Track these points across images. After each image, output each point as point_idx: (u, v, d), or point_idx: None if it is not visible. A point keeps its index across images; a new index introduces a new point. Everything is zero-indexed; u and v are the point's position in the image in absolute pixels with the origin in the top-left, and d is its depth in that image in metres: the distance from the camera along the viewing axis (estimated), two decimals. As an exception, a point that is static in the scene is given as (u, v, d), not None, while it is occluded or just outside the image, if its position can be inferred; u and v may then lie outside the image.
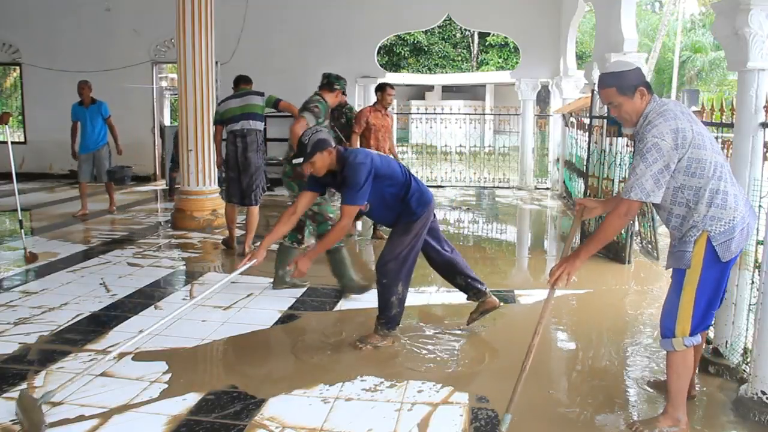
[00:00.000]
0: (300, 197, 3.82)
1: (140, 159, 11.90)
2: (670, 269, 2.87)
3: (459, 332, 4.13)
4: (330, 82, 4.97)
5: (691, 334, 2.77)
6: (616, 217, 2.76)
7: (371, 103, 6.92)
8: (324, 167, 3.63)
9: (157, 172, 11.97)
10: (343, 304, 4.71)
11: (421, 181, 3.93)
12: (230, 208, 6.34)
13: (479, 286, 4.11)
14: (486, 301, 4.14)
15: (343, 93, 5.08)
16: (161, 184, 10.44)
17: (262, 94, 6.19)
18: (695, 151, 2.64)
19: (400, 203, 3.78)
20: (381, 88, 6.85)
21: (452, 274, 4.11)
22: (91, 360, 3.54)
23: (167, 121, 12.59)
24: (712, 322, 2.89)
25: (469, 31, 27.35)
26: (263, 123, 6.30)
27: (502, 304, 4.21)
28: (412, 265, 3.86)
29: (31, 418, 2.83)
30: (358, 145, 6.52)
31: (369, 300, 4.79)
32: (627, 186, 2.73)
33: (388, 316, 3.85)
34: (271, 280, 5.09)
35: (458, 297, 4.35)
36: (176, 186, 9.93)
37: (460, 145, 12.60)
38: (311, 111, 4.80)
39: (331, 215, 4.79)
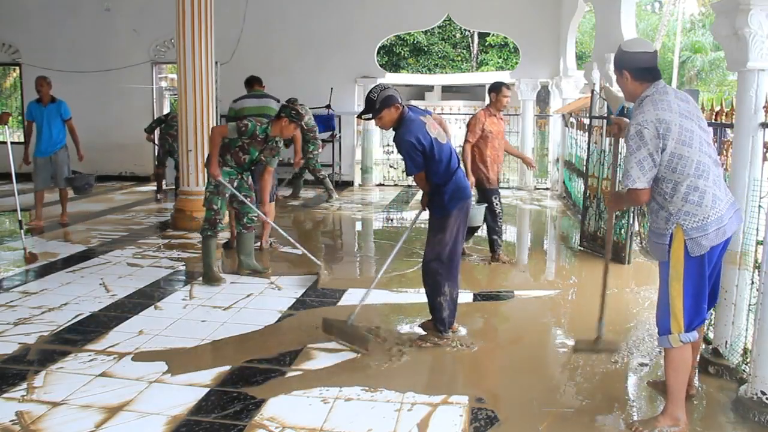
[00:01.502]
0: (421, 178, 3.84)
1: (140, 159, 11.93)
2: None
3: (458, 333, 4.13)
4: (278, 111, 5.11)
5: (687, 330, 2.79)
6: (627, 201, 3.13)
7: (484, 107, 5.95)
8: (391, 122, 3.79)
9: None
10: (346, 301, 4.70)
11: (466, 180, 3.93)
12: None
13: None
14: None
15: (292, 120, 5.06)
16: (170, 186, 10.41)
17: (278, 100, 6.64)
18: (679, 147, 2.70)
19: (435, 188, 3.80)
20: (496, 88, 5.83)
21: None
22: (92, 360, 3.55)
23: None
24: (706, 317, 2.89)
25: (469, 31, 27.35)
26: None
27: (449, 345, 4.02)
28: (456, 264, 3.86)
29: (353, 334, 3.66)
30: (469, 158, 5.85)
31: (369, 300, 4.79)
32: (623, 175, 2.83)
33: (440, 317, 3.86)
34: (272, 280, 5.19)
35: (460, 298, 4.34)
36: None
37: (460, 146, 12.56)
38: (237, 126, 4.95)
39: (255, 213, 5.28)
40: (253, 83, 6.89)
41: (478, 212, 5.67)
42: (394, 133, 3.82)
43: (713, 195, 2.71)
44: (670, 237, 2.77)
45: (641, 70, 2.85)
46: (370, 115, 3.79)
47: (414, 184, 12.00)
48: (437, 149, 3.71)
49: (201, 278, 5.19)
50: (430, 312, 3.91)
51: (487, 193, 5.88)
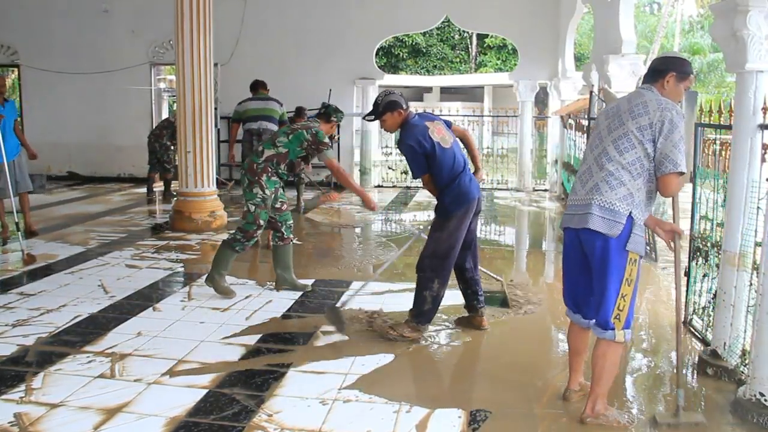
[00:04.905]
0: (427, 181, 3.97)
1: (138, 161, 11.90)
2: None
3: (457, 334, 4.13)
4: (324, 113, 4.83)
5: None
6: None
7: None
8: (394, 125, 3.95)
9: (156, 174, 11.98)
10: (348, 298, 4.69)
11: (472, 183, 3.97)
12: None
13: (476, 304, 4.17)
14: (475, 318, 4.20)
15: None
16: (160, 186, 10.43)
17: (281, 103, 6.98)
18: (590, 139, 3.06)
19: (439, 190, 3.92)
20: None
21: (462, 279, 4.19)
22: (90, 361, 3.54)
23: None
24: (572, 308, 3.07)
25: (468, 32, 27.36)
26: (277, 127, 6.90)
27: (489, 328, 4.19)
28: (449, 264, 3.93)
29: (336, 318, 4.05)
30: None
31: (367, 302, 4.79)
32: None
33: (420, 309, 3.92)
34: (272, 282, 5.16)
35: (459, 298, 4.35)
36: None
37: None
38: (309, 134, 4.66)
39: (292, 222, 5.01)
40: (257, 87, 7.16)
41: None
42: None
43: (573, 186, 3.00)
44: None
45: (647, 76, 3.04)
46: (373, 117, 3.97)
47: (412, 185, 12.07)
48: (439, 153, 3.82)
49: (206, 280, 4.84)
50: (413, 303, 3.96)
51: None
